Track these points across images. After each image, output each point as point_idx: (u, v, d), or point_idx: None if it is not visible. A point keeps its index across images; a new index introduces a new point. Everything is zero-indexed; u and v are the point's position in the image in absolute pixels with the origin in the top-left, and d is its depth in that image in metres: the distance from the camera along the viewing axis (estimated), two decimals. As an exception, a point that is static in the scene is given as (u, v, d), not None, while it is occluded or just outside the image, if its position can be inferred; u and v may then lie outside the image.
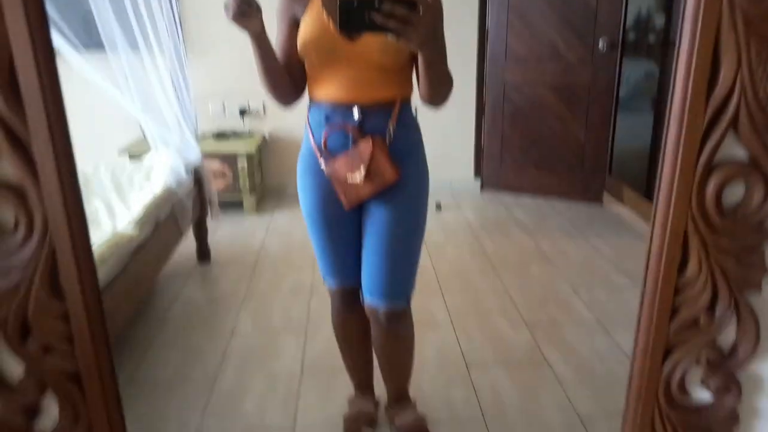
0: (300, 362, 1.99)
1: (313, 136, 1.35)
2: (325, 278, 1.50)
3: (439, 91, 1.26)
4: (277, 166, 3.79)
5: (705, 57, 0.68)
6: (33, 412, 0.79)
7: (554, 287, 2.53)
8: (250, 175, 3.41)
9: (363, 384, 1.68)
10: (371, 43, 1.22)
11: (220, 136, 3.52)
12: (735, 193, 0.77)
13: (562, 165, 3.69)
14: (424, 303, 2.38)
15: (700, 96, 0.69)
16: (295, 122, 3.32)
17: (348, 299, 1.50)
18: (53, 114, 0.68)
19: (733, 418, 0.84)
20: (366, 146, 1.27)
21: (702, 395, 0.86)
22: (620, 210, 3.46)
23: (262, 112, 3.63)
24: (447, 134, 3.76)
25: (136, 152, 3.10)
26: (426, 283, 2.60)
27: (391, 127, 1.29)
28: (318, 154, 1.34)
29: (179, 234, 2.41)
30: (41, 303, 0.71)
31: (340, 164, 1.30)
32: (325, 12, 1.23)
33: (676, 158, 0.71)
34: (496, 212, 3.58)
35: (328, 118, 1.31)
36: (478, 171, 3.99)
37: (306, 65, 1.32)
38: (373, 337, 1.51)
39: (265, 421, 1.71)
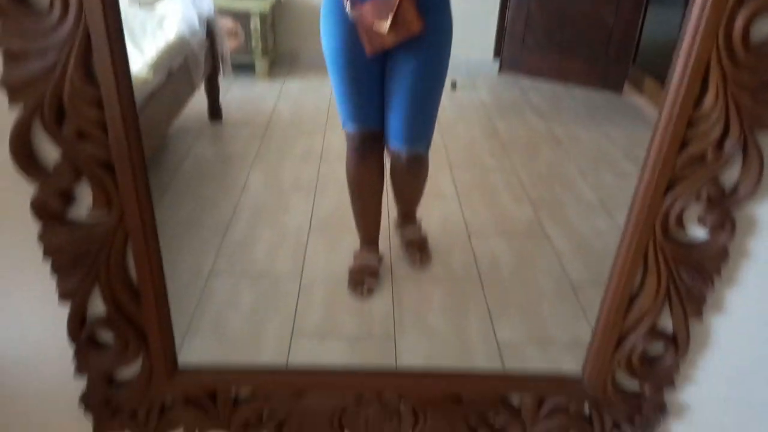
0: (308, 218, 2.06)
1: None
2: (344, 123, 1.55)
3: None
4: (290, 30, 3.65)
5: None
6: (68, 197, 0.83)
7: (562, 169, 2.56)
8: (263, 37, 3.30)
9: (369, 237, 1.76)
10: None
11: (233, -8, 3.37)
12: (762, 29, 0.76)
13: (586, 50, 3.57)
14: (432, 175, 2.41)
15: None
16: (312, -17, 3.16)
17: (366, 142, 1.58)
18: None
19: (723, 255, 0.89)
20: None
21: (697, 232, 0.90)
22: (639, 101, 3.39)
23: (277, -31, 3.44)
24: (468, 12, 3.58)
25: (147, 0, 2.98)
26: (435, 157, 2.61)
27: None
28: None
29: (192, 86, 2.40)
30: (76, 86, 0.73)
31: (367, 10, 1.29)
32: None
33: None
34: (512, 95, 3.51)
35: None
36: (497, 52, 3.86)
37: None
38: (392, 175, 1.64)
39: (274, 266, 1.81)
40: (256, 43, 3.30)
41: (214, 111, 2.78)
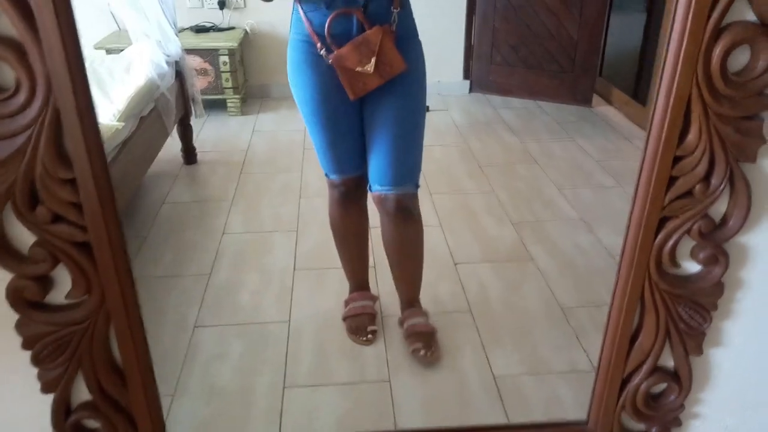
0: (292, 258, 2.04)
1: (309, 21, 1.28)
2: (327, 173, 1.49)
3: None
4: (259, 64, 3.65)
5: None
6: (46, 282, 0.80)
7: (540, 187, 2.57)
8: (232, 73, 3.29)
9: (360, 281, 1.72)
10: None
11: (200, 30, 3.36)
12: (740, 60, 0.77)
13: (552, 65, 3.63)
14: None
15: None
16: (278, 16, 3.15)
17: (350, 190, 1.51)
18: None
19: (719, 289, 0.89)
20: (375, 34, 1.24)
21: (690, 266, 0.90)
22: (608, 111, 3.45)
23: (242, 4, 3.45)
24: (436, 35, 3.60)
25: (113, 47, 2.96)
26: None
27: (395, 13, 1.26)
28: (317, 42, 1.29)
29: (164, 131, 2.36)
30: (48, 168, 0.70)
31: (348, 53, 1.25)
32: None
33: (686, 19, 0.71)
34: (484, 114, 3.54)
35: (327, 4, 1.25)
36: (467, 73, 3.90)
37: None
38: (383, 230, 1.53)
39: (261, 313, 1.77)
40: (227, 80, 3.30)
41: (189, 153, 2.74)
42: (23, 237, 0.80)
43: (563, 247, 2.09)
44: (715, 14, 0.70)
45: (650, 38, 3.22)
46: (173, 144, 2.69)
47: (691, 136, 0.80)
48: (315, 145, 1.45)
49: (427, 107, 3.65)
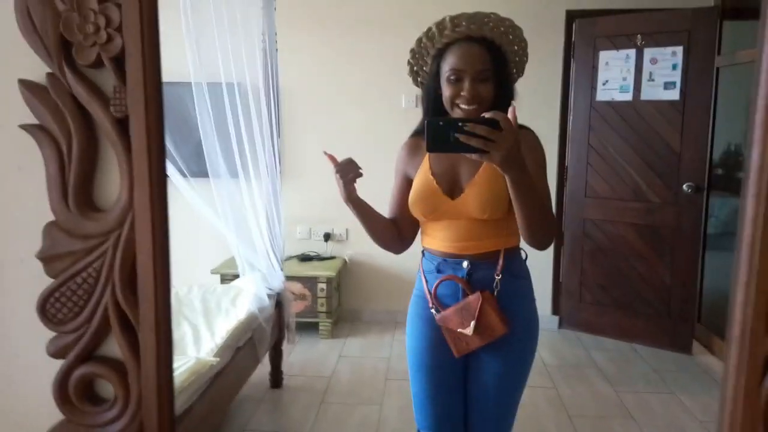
0: None
1: (426, 282, 1.44)
2: (420, 429, 1.49)
3: (533, 223, 1.24)
4: (354, 291, 3.88)
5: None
6: None
7: (637, 451, 2.35)
8: (328, 298, 3.51)
9: None
10: (469, 200, 1.33)
11: (305, 258, 3.70)
12: None
13: (646, 308, 3.53)
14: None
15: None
16: (375, 248, 3.45)
17: None
18: (161, 310, 0.78)
19: None
20: (475, 301, 1.33)
21: None
22: (711, 362, 3.22)
23: (344, 236, 3.80)
24: (524, 268, 3.72)
25: (227, 272, 3.31)
26: (497, 431, 2.49)
27: (497, 279, 1.36)
28: (430, 301, 1.42)
29: (256, 360, 2.49)
30: None
31: (451, 316, 1.37)
32: (430, 173, 1.38)
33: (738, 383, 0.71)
34: (575, 355, 3.42)
35: (439, 268, 1.40)
36: (556, 309, 3.89)
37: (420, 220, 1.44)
38: None
39: None
40: (322, 305, 3.52)
41: (276, 378, 2.84)
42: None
43: None
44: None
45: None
46: (261, 366, 2.81)
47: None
48: (414, 397, 1.48)
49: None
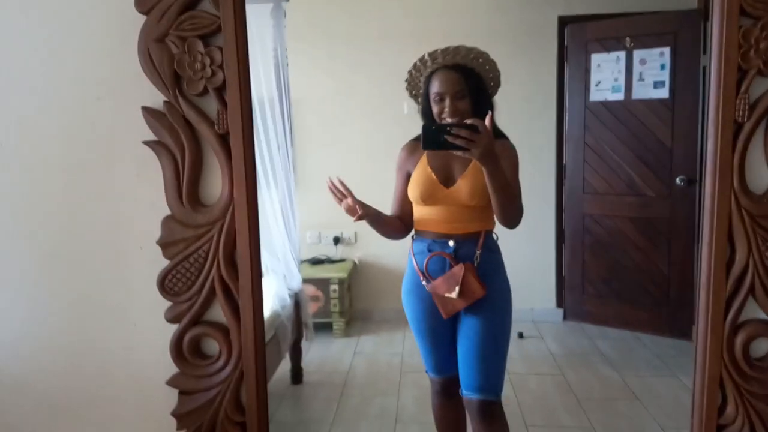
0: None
1: (416, 261, 1.74)
2: (428, 371, 1.87)
3: (505, 208, 1.56)
4: (365, 291, 4.03)
5: (722, 243, 0.91)
6: None
7: (643, 427, 2.49)
8: (340, 299, 3.66)
9: None
10: (461, 189, 1.63)
11: (316, 262, 3.85)
12: (762, 347, 0.94)
13: (646, 298, 3.69)
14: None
15: (721, 273, 0.91)
16: (383, 250, 3.61)
17: (447, 387, 1.83)
18: (255, 281, 0.97)
19: None
20: (459, 270, 1.63)
21: None
22: (711, 347, 3.36)
23: (353, 240, 3.96)
24: (528, 264, 3.89)
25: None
26: (511, 416, 2.62)
27: (478, 253, 1.67)
28: (421, 276, 1.72)
29: (280, 356, 2.63)
30: (228, 413, 0.95)
31: (439, 284, 1.66)
32: (428, 166, 1.67)
33: (707, 319, 0.91)
34: (580, 344, 3.57)
35: (430, 248, 1.70)
36: (560, 301, 4.04)
37: (413, 207, 1.75)
38: (472, 428, 1.75)
39: None
40: (335, 305, 3.67)
41: (296, 374, 2.98)
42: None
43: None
44: (731, 315, 0.90)
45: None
46: (283, 364, 2.95)
47: (729, 410, 0.94)
48: (420, 350, 1.83)
49: (521, 334, 3.77)
